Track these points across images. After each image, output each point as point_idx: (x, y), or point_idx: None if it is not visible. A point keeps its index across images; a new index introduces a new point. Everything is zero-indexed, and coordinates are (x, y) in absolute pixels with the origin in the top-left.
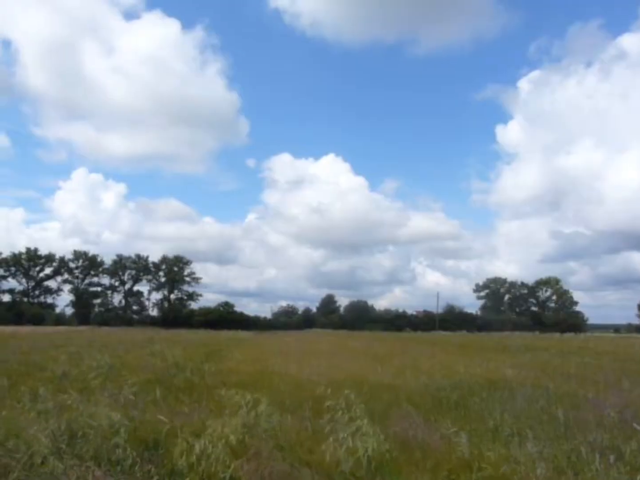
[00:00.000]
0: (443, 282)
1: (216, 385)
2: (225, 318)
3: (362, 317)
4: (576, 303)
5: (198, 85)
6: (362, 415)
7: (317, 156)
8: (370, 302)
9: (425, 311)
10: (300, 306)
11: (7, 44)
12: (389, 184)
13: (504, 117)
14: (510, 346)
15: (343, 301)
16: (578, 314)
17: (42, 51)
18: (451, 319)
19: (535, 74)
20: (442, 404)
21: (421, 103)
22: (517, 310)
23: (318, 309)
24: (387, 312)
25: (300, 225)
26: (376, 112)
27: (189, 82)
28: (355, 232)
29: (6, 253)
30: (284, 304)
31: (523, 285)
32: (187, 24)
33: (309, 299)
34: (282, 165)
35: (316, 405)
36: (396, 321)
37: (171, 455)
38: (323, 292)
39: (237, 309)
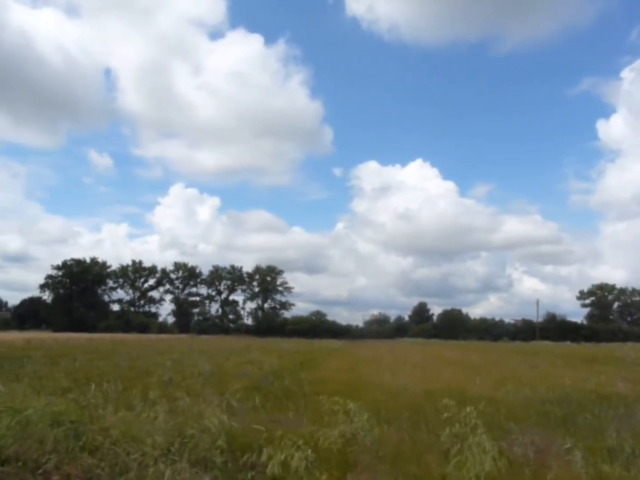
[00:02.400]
0: (542, 289)
1: (313, 393)
2: (317, 327)
3: (456, 326)
4: None
5: (282, 97)
6: (474, 428)
7: (404, 162)
8: (464, 310)
9: (524, 320)
10: (392, 315)
11: (107, 72)
12: (480, 188)
13: (605, 111)
14: (622, 358)
15: (436, 309)
16: None
17: (137, 75)
18: (553, 328)
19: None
20: (548, 419)
21: (510, 102)
22: (629, 319)
23: (410, 317)
24: (482, 321)
25: (388, 232)
26: (464, 115)
27: (273, 95)
28: (445, 238)
29: (115, 266)
30: (375, 312)
31: (635, 291)
32: (270, 39)
33: (400, 308)
34: (369, 173)
35: (414, 416)
36: (493, 330)
37: (272, 462)
38: (414, 300)
39: (329, 317)
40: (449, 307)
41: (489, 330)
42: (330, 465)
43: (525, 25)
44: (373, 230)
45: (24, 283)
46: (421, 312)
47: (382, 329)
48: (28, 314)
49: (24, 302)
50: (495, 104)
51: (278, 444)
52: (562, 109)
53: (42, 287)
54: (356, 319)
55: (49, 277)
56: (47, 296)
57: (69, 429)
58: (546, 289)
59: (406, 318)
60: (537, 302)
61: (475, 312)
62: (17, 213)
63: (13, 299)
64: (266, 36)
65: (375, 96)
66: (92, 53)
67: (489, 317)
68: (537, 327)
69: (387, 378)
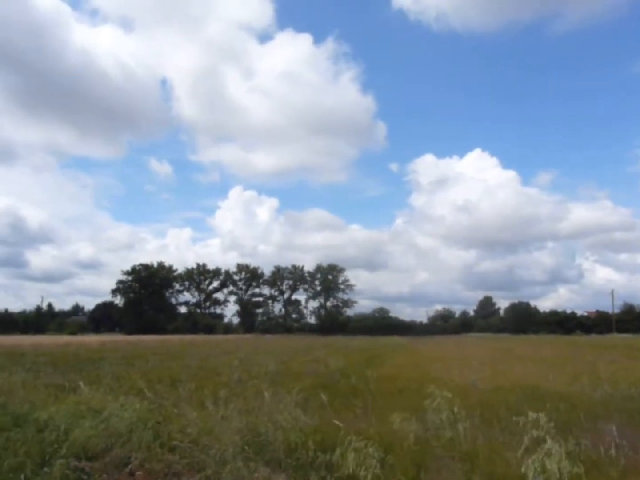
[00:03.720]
0: (617, 279)
1: (380, 391)
2: (380, 324)
3: (524, 320)
4: None
5: (333, 95)
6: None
7: (461, 153)
8: (532, 303)
9: (598, 312)
10: (457, 309)
11: (163, 81)
12: (544, 175)
13: None
14: None
15: (502, 303)
16: None
17: (191, 82)
18: (631, 320)
19: None
20: (632, 417)
21: (571, 84)
22: None
23: (476, 312)
24: (553, 313)
25: (448, 226)
26: (522, 101)
27: (325, 93)
28: (508, 229)
29: (180, 269)
30: (439, 307)
31: None
32: (318, 37)
33: (464, 302)
34: (426, 166)
35: (485, 413)
36: (564, 323)
37: (346, 461)
38: (479, 295)
39: (392, 314)
40: (515, 301)
41: (561, 324)
42: (404, 464)
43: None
44: (432, 224)
45: (96, 288)
46: (487, 306)
47: (446, 325)
48: (102, 318)
49: (98, 307)
50: (555, 87)
51: (350, 442)
52: (630, 88)
53: (114, 292)
54: (420, 314)
55: (120, 282)
56: (118, 300)
57: (149, 428)
58: (621, 278)
59: (471, 313)
60: (612, 293)
61: (544, 304)
62: (87, 222)
63: (88, 304)
64: (315, 35)
65: (428, 88)
66: (148, 64)
67: (559, 309)
68: (613, 319)
69: (455, 374)
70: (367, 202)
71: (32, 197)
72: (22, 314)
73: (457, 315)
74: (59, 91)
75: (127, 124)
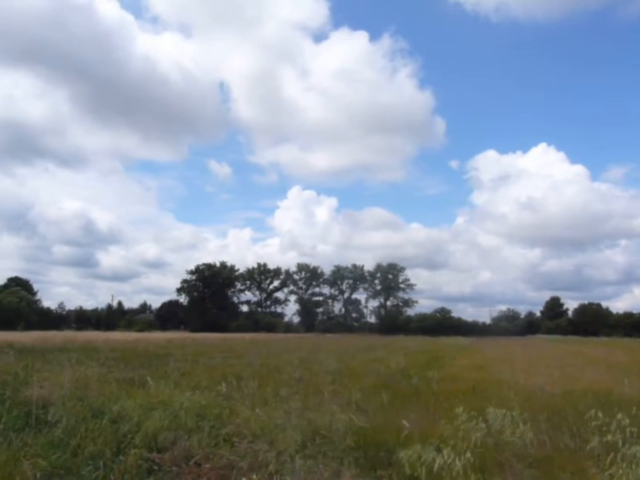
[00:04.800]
0: None
1: (442, 392)
2: (442, 324)
3: (595, 322)
4: None
5: (390, 92)
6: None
7: (525, 148)
8: (604, 304)
9: None
10: (522, 310)
11: (221, 84)
12: (616, 170)
13: None
14: None
15: (570, 304)
16: None
17: (248, 84)
18: None
19: None
20: None
21: None
22: None
23: (542, 313)
24: (627, 315)
25: (512, 224)
26: (588, 92)
27: (382, 90)
28: (576, 227)
29: (242, 269)
30: (503, 308)
31: None
32: (374, 34)
33: (530, 303)
34: (487, 162)
35: (553, 418)
36: None
37: (408, 462)
38: (545, 295)
39: (454, 314)
40: (585, 301)
41: (636, 326)
42: (470, 467)
43: None
44: (495, 222)
45: (162, 287)
46: (554, 307)
47: (511, 326)
48: (168, 316)
49: (164, 305)
50: (625, 78)
51: (412, 443)
52: None
53: (179, 290)
54: (483, 315)
55: (184, 281)
56: (183, 299)
57: (214, 422)
58: None
59: (537, 314)
60: None
61: (617, 306)
62: (152, 223)
63: (155, 302)
64: (370, 32)
65: (488, 81)
66: (206, 68)
67: (634, 311)
68: None
69: (521, 377)
70: (427, 200)
71: (101, 200)
72: (95, 311)
73: (522, 316)
74: (124, 98)
75: (187, 127)
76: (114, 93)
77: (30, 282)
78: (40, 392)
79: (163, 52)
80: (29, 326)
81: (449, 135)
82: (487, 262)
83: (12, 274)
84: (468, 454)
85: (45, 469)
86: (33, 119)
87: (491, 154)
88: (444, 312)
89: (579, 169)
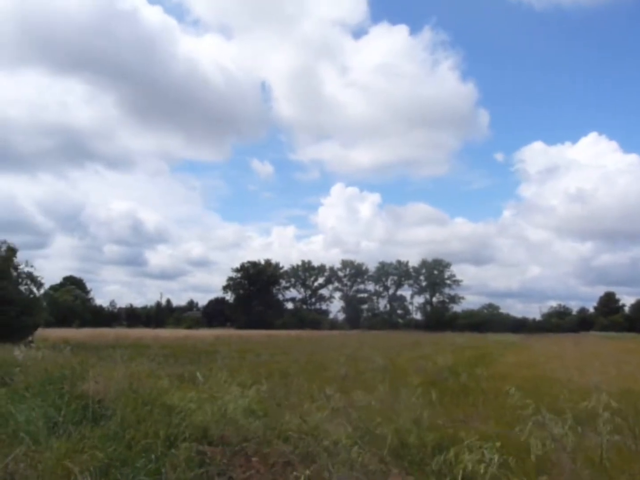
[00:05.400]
0: None
1: (492, 390)
2: (490, 320)
3: None
4: None
5: (432, 85)
6: None
7: (574, 139)
8: None
9: None
10: (573, 306)
11: (262, 83)
12: None
13: None
14: None
15: (627, 300)
16: None
17: (288, 82)
18: None
19: None
20: None
21: None
22: None
23: (596, 309)
24: None
25: (561, 217)
26: None
27: (423, 84)
28: (631, 218)
29: (286, 267)
30: (553, 304)
31: None
32: (414, 28)
33: (582, 298)
34: (534, 154)
35: (611, 419)
36: None
37: (461, 460)
38: (599, 290)
39: (502, 310)
40: None
41: None
42: (523, 469)
43: None
44: (543, 215)
45: (208, 285)
46: (609, 302)
47: (563, 322)
48: (215, 313)
49: (211, 303)
50: None
51: (464, 442)
52: None
53: (225, 288)
54: (532, 311)
55: (230, 279)
56: (229, 296)
57: (263, 417)
58: None
59: (591, 310)
60: None
61: None
62: (197, 222)
63: (201, 300)
64: (411, 26)
65: (533, 71)
66: (247, 67)
67: None
68: None
69: (575, 375)
70: (472, 194)
71: (148, 201)
72: (145, 309)
73: (574, 313)
74: (168, 100)
75: (230, 127)
76: (159, 96)
77: (84, 281)
78: (96, 386)
79: (205, 54)
80: (83, 323)
81: (493, 128)
82: (536, 257)
83: (67, 273)
84: (522, 453)
85: (102, 461)
86: (83, 124)
87: (538, 146)
88: (492, 308)
89: (633, 158)
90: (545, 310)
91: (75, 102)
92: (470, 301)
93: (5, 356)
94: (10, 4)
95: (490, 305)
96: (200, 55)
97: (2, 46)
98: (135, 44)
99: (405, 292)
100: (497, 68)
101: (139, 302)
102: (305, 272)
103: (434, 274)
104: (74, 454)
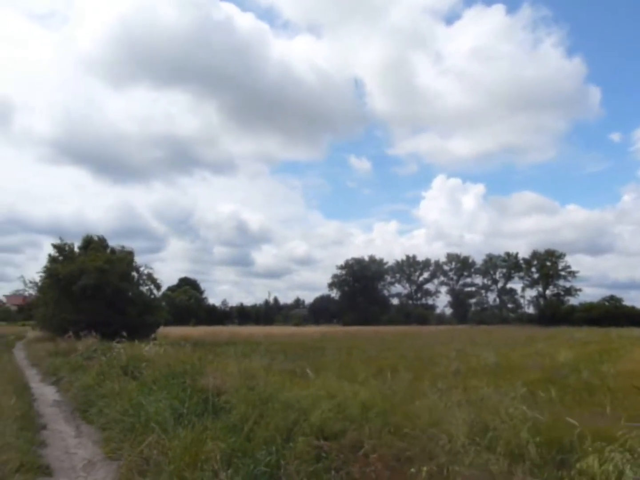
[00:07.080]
0: None
1: (621, 388)
2: (611, 313)
3: None
4: None
5: (534, 65)
6: None
7: None
8: None
9: None
10: None
11: (355, 79)
12: None
13: None
14: None
15: None
16: None
17: (381, 76)
18: None
19: None
20: None
21: None
22: None
23: None
24: None
25: None
26: None
27: (524, 65)
28: None
29: (390, 262)
30: None
31: None
32: (511, 6)
33: None
34: None
35: None
36: None
37: (585, 463)
38: None
39: (626, 303)
40: None
41: None
42: None
43: None
44: None
45: (313, 283)
46: None
47: None
48: (321, 310)
49: (317, 300)
50: None
51: (590, 443)
52: None
53: (330, 285)
54: None
55: (335, 276)
56: (334, 293)
57: (378, 414)
58: None
59: None
60: None
61: None
62: (299, 221)
63: (307, 297)
64: (507, 5)
65: None
66: (339, 64)
67: None
68: None
69: None
70: (584, 179)
71: (251, 202)
72: (254, 307)
73: None
74: (265, 103)
75: (326, 125)
76: (256, 100)
77: (198, 282)
78: (214, 381)
79: (297, 55)
80: (198, 322)
81: (606, 106)
82: None
83: (182, 275)
84: None
85: (225, 451)
86: (189, 132)
87: None
88: (613, 301)
89: None
90: None
91: (180, 113)
92: (588, 294)
93: (135, 352)
94: (117, 25)
95: (611, 298)
96: (293, 57)
97: (113, 67)
98: (231, 51)
99: (516, 285)
100: (606, 41)
101: (248, 300)
102: (409, 267)
103: (546, 266)
104: (198, 443)
